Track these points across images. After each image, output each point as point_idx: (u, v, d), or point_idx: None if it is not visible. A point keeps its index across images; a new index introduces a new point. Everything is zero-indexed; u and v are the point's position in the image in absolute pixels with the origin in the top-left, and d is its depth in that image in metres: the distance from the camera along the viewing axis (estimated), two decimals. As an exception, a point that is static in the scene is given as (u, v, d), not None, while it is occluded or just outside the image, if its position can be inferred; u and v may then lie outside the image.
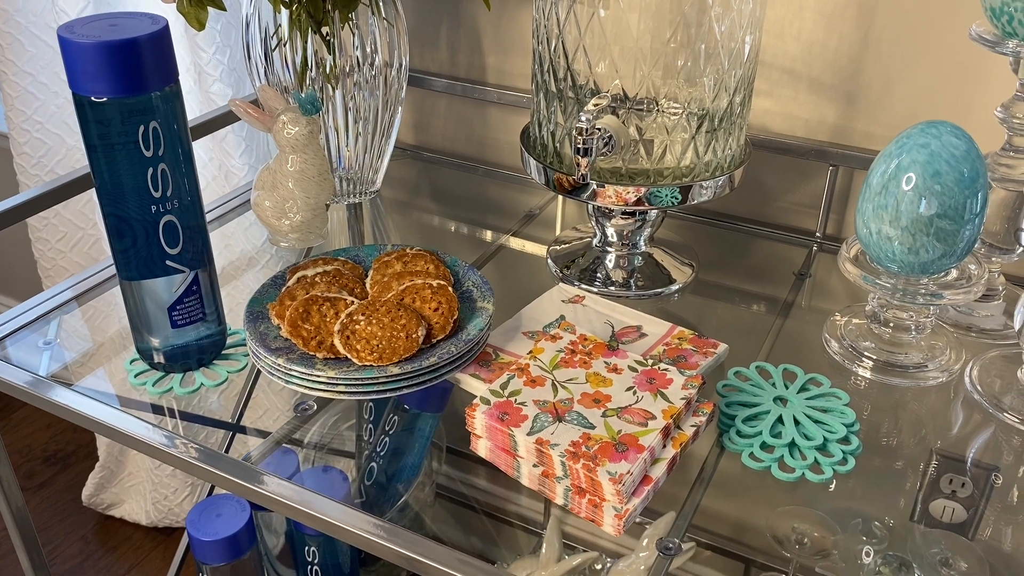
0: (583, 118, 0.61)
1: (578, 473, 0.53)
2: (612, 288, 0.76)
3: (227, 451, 0.64)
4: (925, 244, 0.60)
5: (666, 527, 0.59)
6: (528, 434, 0.55)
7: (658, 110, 0.66)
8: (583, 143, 0.62)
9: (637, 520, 0.53)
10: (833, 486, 0.58)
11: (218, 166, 1.06)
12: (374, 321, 0.62)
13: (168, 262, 0.61)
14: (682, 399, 0.58)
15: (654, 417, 0.56)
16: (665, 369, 0.61)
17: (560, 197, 0.95)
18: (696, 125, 0.67)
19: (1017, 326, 0.62)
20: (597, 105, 0.63)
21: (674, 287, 0.77)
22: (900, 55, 0.77)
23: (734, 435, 0.59)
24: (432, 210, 0.95)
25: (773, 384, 0.63)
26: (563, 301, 0.72)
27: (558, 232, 0.87)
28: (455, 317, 0.63)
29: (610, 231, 0.77)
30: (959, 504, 0.60)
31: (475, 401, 0.58)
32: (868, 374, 0.66)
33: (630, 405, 0.57)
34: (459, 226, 0.92)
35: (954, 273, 0.64)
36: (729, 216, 0.89)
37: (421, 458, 0.97)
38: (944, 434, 0.63)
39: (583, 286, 0.76)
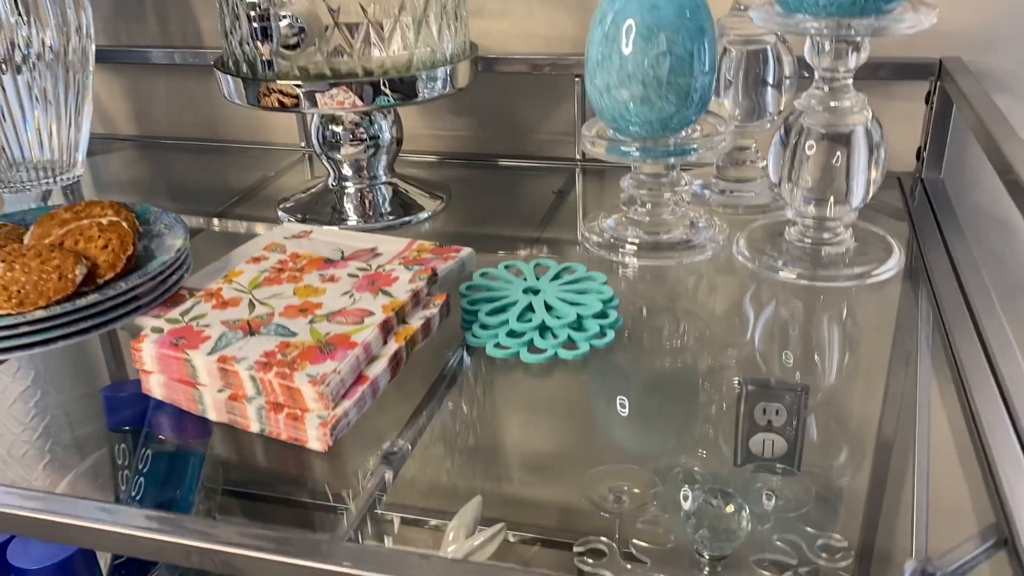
0: (254, -6, 0.52)
1: (271, 384, 0.42)
2: (356, 221, 0.66)
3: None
4: (659, 94, 0.53)
5: (474, 512, 0.49)
6: (209, 354, 0.43)
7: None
8: (259, 22, 0.52)
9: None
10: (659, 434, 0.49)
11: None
12: (17, 267, 0.49)
13: None
14: (408, 292, 0.48)
15: (372, 314, 0.46)
16: (391, 270, 0.51)
17: (306, 158, 0.84)
18: (398, 8, 0.59)
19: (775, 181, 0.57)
20: (270, -20, 0.54)
21: (424, 215, 0.68)
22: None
23: (477, 328, 0.50)
24: (161, 195, 0.82)
25: (524, 279, 0.55)
26: (286, 238, 0.61)
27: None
28: (129, 253, 0.51)
29: (344, 166, 0.68)
30: (778, 435, 0.53)
31: (143, 332, 0.45)
32: (634, 259, 0.59)
33: (344, 308, 0.47)
34: (187, 205, 0.79)
35: (700, 131, 0.59)
36: (490, 155, 0.82)
37: (188, 501, 0.82)
38: (723, 306, 0.57)
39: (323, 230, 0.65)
